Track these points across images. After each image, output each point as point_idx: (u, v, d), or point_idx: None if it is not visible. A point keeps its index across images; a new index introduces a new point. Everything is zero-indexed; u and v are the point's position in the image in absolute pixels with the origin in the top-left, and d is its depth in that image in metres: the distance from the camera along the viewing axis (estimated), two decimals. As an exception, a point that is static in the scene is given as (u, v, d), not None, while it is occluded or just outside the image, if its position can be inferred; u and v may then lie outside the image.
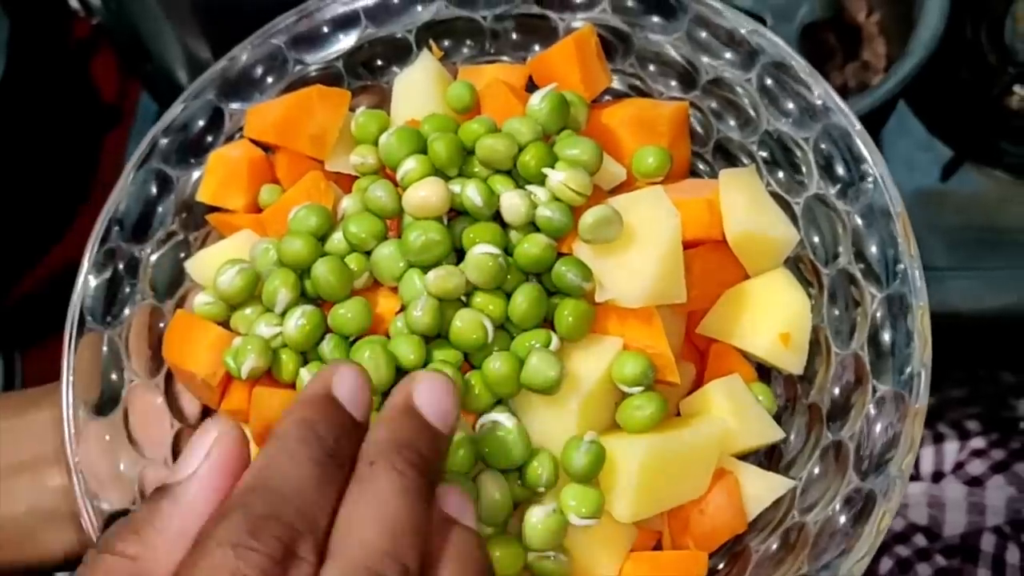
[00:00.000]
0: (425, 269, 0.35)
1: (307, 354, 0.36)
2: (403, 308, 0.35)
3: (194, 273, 0.39)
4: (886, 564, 0.68)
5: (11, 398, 0.43)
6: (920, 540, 0.69)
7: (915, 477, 0.73)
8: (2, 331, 0.70)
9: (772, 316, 0.36)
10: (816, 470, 0.34)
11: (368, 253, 0.36)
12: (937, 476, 0.74)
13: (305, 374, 0.35)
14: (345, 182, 0.40)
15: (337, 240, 0.37)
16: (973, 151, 0.70)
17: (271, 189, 0.40)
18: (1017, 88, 0.69)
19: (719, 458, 0.34)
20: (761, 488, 0.34)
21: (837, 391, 0.35)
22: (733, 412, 0.35)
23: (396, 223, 0.37)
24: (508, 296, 0.35)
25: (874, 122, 0.62)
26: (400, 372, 0.34)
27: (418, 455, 0.25)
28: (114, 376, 0.37)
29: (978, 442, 0.73)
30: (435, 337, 0.35)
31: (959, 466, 0.73)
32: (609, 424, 0.34)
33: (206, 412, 0.38)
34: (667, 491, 0.33)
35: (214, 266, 0.37)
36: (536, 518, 0.32)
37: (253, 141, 0.40)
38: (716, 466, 0.34)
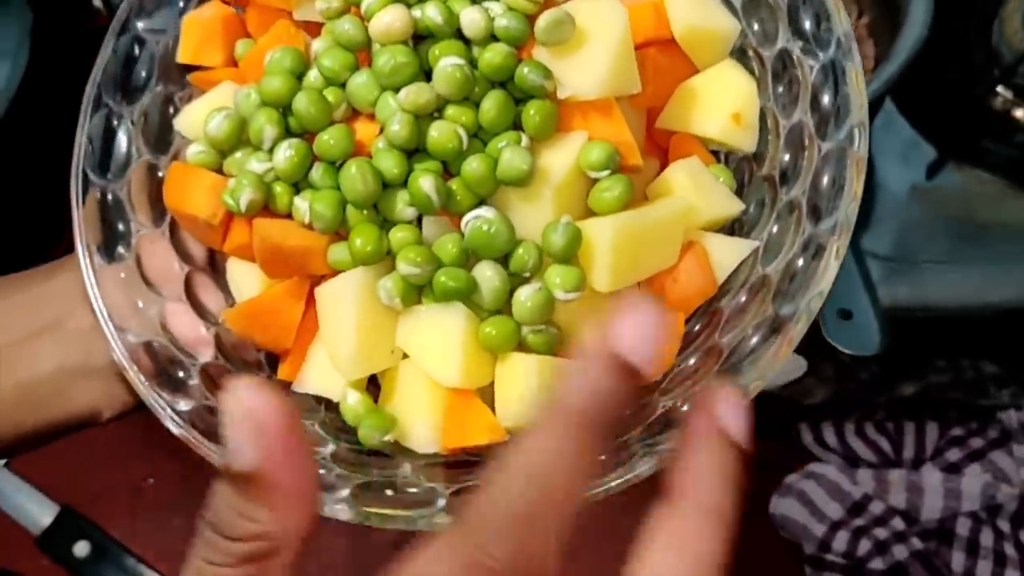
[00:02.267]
0: (398, 91, 0.37)
1: (298, 184, 0.39)
2: (382, 130, 0.38)
3: (183, 129, 0.42)
4: (865, 546, 0.72)
5: (19, 277, 0.46)
6: (898, 523, 0.72)
7: (895, 463, 0.76)
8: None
9: (723, 101, 0.39)
10: (775, 229, 0.37)
11: (343, 86, 0.39)
12: (918, 462, 0.76)
13: (300, 203, 0.38)
14: (313, 30, 0.42)
15: (313, 77, 0.39)
16: (957, 150, 0.70)
17: (245, 43, 0.42)
18: (1001, 89, 0.69)
19: (686, 231, 0.38)
20: (727, 253, 0.38)
21: (787, 158, 0.38)
22: (694, 188, 0.38)
23: (366, 54, 0.39)
24: (477, 106, 0.37)
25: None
26: (385, 186, 0.37)
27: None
28: (121, 226, 0.40)
29: (957, 430, 0.76)
30: (414, 152, 0.38)
31: (938, 452, 0.75)
32: (583, 211, 0.37)
33: (212, 253, 0.41)
34: (640, 262, 0.37)
35: (201, 117, 0.40)
36: (525, 295, 0.36)
37: (223, 1, 0.42)
38: (684, 238, 0.38)
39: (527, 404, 0.35)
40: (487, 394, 0.37)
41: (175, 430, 0.36)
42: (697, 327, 0.38)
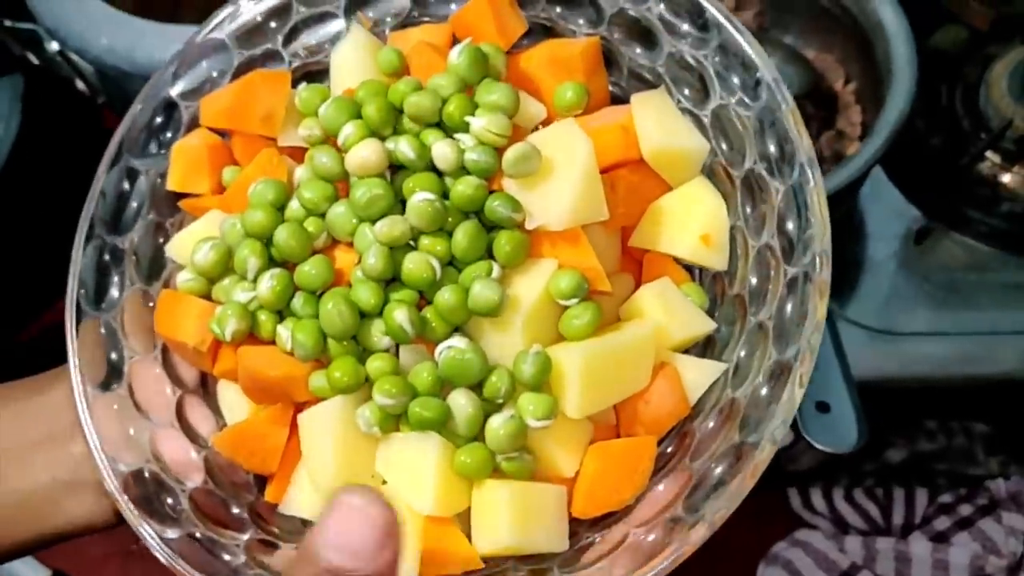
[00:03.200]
0: (374, 222, 0.39)
1: (282, 312, 0.40)
2: (360, 259, 0.39)
3: (174, 254, 0.44)
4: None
5: (17, 386, 0.47)
6: (886, 594, 0.71)
7: (884, 531, 0.75)
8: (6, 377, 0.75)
9: (693, 221, 0.40)
10: (743, 352, 0.38)
11: (323, 216, 0.40)
12: (907, 529, 0.75)
13: (282, 331, 0.39)
14: (299, 154, 0.43)
15: (295, 207, 0.41)
16: (944, 216, 0.70)
17: (232, 170, 0.44)
18: (989, 154, 0.69)
19: (657, 352, 0.38)
20: (698, 374, 0.38)
21: (755, 280, 0.38)
22: (665, 310, 0.39)
23: (344, 185, 0.41)
24: (450, 236, 0.39)
25: (850, 189, 0.62)
26: (362, 316, 0.38)
27: None
28: (114, 355, 0.41)
29: (947, 497, 0.75)
30: (391, 281, 0.39)
31: (927, 520, 0.75)
32: (555, 336, 0.38)
33: (203, 376, 0.43)
34: (611, 387, 0.37)
35: (191, 245, 0.41)
36: (497, 424, 0.37)
37: (211, 129, 0.44)
38: (656, 360, 0.38)
39: (502, 531, 0.36)
40: (466, 518, 0.38)
41: (163, 559, 0.37)
42: (669, 449, 0.39)
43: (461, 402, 0.37)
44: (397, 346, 0.39)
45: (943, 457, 0.74)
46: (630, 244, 0.41)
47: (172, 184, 0.44)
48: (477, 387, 0.38)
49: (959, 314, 0.67)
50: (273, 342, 0.40)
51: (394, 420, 0.38)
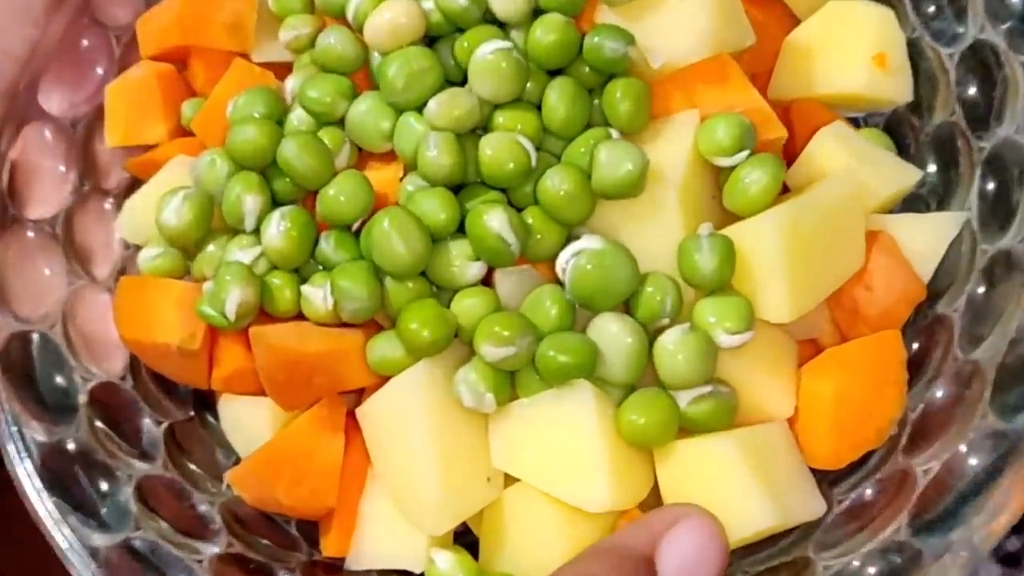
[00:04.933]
0: (421, 108, 0.26)
1: (301, 270, 0.27)
2: (407, 169, 0.27)
3: (128, 232, 0.30)
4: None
5: None
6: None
7: None
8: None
9: (855, 44, 0.29)
10: (987, 188, 0.26)
11: (340, 123, 0.28)
12: None
13: (312, 291, 0.26)
14: (280, 73, 0.31)
15: (297, 120, 0.28)
16: None
17: (194, 103, 0.31)
18: None
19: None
20: (927, 235, 0.27)
21: (972, 90, 0.27)
22: (858, 159, 0.27)
23: (364, 75, 0.28)
24: (536, 108, 0.26)
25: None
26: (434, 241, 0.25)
27: None
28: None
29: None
30: (459, 188, 0.26)
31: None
32: (717, 219, 0.26)
33: (198, 399, 0.29)
34: (822, 272, 0.25)
35: (150, 210, 0.29)
36: (672, 344, 0.24)
37: (156, 60, 0.31)
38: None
39: (753, 505, 0.23)
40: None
41: None
42: (915, 345, 0.26)
43: (612, 329, 0.24)
44: (487, 277, 0.26)
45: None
46: (770, 95, 0.29)
47: (113, 138, 0.31)
48: (624, 308, 0.25)
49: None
50: (297, 316, 0.27)
51: (510, 382, 0.25)
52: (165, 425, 0.29)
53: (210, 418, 0.30)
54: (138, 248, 0.30)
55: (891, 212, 0.28)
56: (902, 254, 0.27)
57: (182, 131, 0.31)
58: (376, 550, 0.27)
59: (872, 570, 0.22)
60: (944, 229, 0.27)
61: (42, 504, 0.25)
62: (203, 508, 0.27)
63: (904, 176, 0.28)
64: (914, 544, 0.22)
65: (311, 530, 0.28)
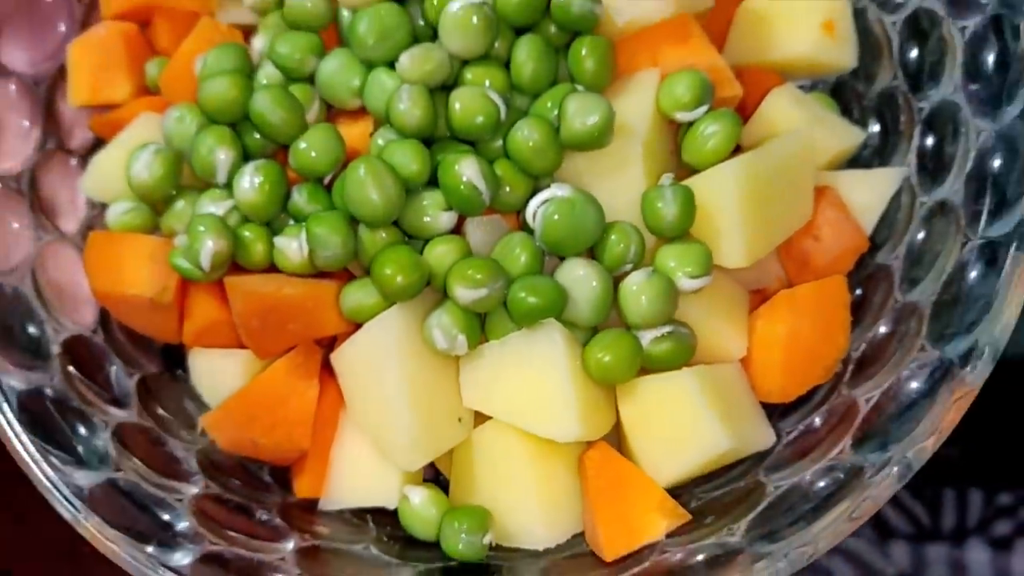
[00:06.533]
0: (392, 64, 0.27)
1: (272, 225, 0.28)
2: (376, 126, 0.28)
3: (93, 190, 0.31)
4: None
5: None
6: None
7: (935, 536, 0.68)
8: None
9: (804, 10, 0.30)
10: (925, 145, 0.28)
11: (309, 80, 0.28)
12: (959, 533, 0.68)
13: (286, 241, 0.27)
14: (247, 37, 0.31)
15: (265, 79, 0.29)
16: None
17: (158, 62, 0.31)
18: None
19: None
20: (870, 190, 0.28)
21: (914, 53, 0.29)
22: (807, 119, 0.29)
23: (332, 32, 0.29)
24: (505, 65, 0.27)
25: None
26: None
27: None
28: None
29: (1005, 498, 0.68)
30: (430, 142, 0.27)
31: (983, 525, 0.67)
32: (676, 172, 0.27)
33: (168, 355, 0.30)
34: (774, 221, 0.27)
35: (118, 167, 0.29)
36: (636, 286, 0.25)
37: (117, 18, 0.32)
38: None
39: (715, 432, 0.24)
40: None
41: None
42: (859, 291, 0.28)
43: (579, 273, 0.26)
44: (457, 227, 0.27)
45: (1002, 453, 0.67)
46: (723, 58, 0.31)
47: (78, 97, 0.31)
48: (590, 255, 0.26)
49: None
50: (269, 268, 0.28)
51: (479, 324, 0.26)
52: (137, 377, 0.29)
53: (180, 372, 0.30)
54: (104, 206, 0.30)
55: (837, 169, 0.30)
56: (847, 207, 0.28)
57: (146, 90, 0.31)
58: (349, 491, 0.27)
59: (820, 484, 0.24)
60: (885, 184, 0.29)
61: (21, 445, 0.25)
62: (180, 453, 0.28)
63: (849, 136, 0.30)
64: (856, 461, 0.24)
65: (284, 475, 0.29)
